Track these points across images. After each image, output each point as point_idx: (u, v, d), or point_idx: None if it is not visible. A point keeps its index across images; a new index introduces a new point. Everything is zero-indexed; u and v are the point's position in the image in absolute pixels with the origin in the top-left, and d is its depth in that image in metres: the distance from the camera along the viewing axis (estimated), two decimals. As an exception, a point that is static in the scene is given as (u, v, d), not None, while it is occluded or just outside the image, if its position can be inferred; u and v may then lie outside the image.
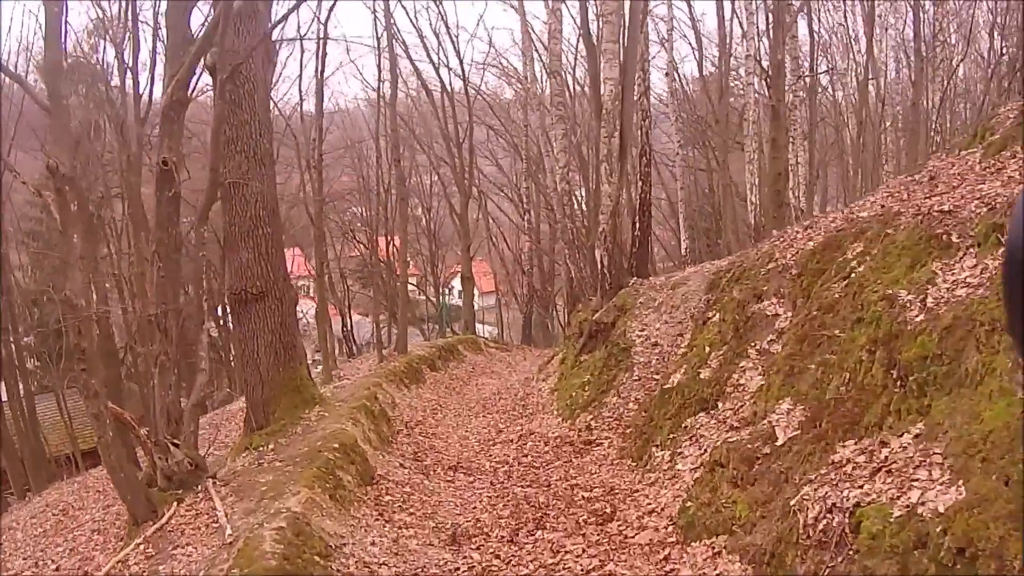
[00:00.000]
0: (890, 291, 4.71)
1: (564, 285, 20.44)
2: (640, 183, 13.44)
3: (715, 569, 4.46)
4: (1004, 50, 17.95)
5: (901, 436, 3.89)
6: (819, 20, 22.52)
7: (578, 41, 24.85)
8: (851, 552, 3.49)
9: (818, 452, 4.29)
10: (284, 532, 4.90)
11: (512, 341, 26.37)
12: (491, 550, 5.65)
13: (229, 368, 21.98)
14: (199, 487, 6.39)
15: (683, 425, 6.28)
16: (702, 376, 6.62)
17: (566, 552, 5.28)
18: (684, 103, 23.12)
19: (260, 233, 8.34)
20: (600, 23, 12.44)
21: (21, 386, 16.24)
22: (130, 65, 13.85)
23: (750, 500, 4.48)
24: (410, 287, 23.60)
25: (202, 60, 6.64)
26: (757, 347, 6.23)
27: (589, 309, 12.38)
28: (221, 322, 20.91)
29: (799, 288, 6.37)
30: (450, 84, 24.43)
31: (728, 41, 22.91)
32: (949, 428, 3.69)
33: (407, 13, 29.60)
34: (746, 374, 6.09)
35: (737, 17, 21.88)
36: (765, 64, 19.51)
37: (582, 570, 4.96)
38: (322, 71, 14.74)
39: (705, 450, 5.65)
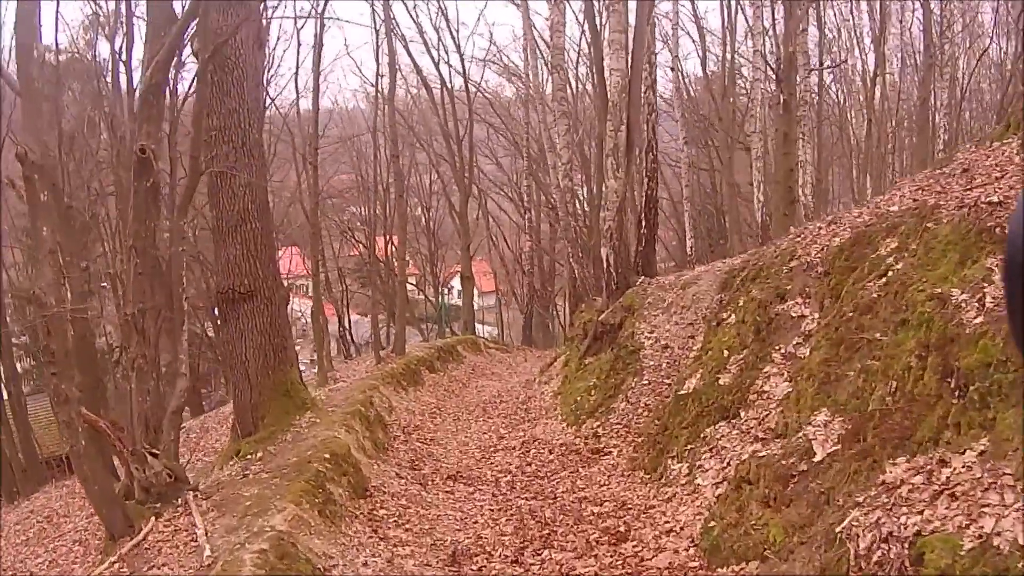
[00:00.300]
0: (939, 290, 4.24)
1: (567, 285, 20.02)
2: (646, 179, 12.98)
3: (746, 600, 4.01)
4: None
5: (963, 453, 3.43)
6: (824, 18, 22.09)
7: (580, 38, 24.48)
8: (914, 589, 3.03)
9: (864, 470, 3.82)
10: (267, 555, 4.43)
11: (512, 342, 25.94)
12: (494, 571, 5.19)
13: (227, 368, 21.44)
14: (179, 500, 5.91)
15: (701, 435, 5.81)
16: (721, 382, 6.15)
17: (577, 576, 4.82)
18: (687, 102, 22.67)
19: (249, 228, 7.87)
20: (607, 13, 11.99)
21: (12, 387, 15.79)
22: (124, 59, 13.38)
23: (785, 523, 4.01)
24: (409, 287, 23.13)
25: (185, 39, 6.16)
26: (782, 351, 5.77)
27: (594, 309, 11.92)
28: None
29: (827, 287, 5.92)
30: (450, 80, 23.99)
31: (733, 37, 22.53)
32: (1020, 445, 3.24)
33: (406, 7, 29.12)
34: (770, 380, 5.63)
35: (743, 12, 21.43)
36: (772, 60, 19.14)
37: (596, 598, 4.50)
38: (318, 61, 14.23)
39: (728, 464, 5.18)
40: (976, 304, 3.94)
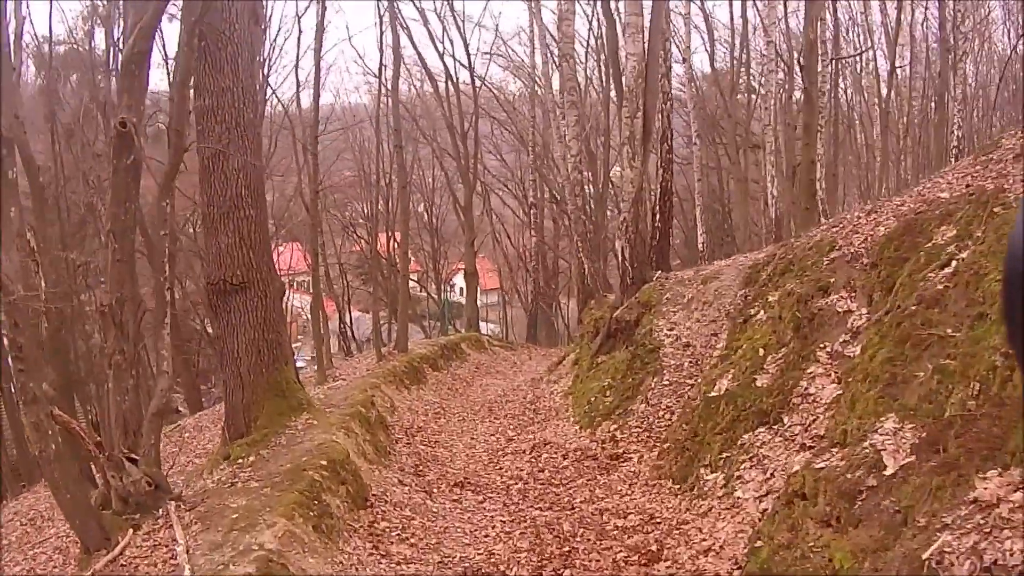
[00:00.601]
0: None
1: (575, 280, 19.47)
2: (661, 170, 12.41)
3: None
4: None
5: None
6: (835, 12, 21.53)
7: (588, 33, 23.91)
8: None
9: (948, 486, 3.27)
10: (253, 579, 3.88)
11: (516, 340, 25.43)
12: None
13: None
14: (160, 511, 5.36)
15: (738, 442, 5.25)
16: (758, 383, 5.58)
17: (605, 603, 4.26)
18: (696, 98, 22.10)
19: (242, 215, 7.30)
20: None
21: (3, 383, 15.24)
22: (121, 49, 12.88)
23: (853, 546, 3.45)
24: (411, 283, 22.57)
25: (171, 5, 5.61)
26: (827, 349, 5.21)
27: (606, 306, 11.37)
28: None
29: (876, 279, 5.36)
30: (455, 73, 23.40)
31: (745, 29, 21.97)
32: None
33: (411, -3, 28.42)
34: (816, 382, 5.07)
35: (755, 6, 20.84)
36: (785, 55, 18.59)
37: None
38: (320, 46, 13.61)
39: (772, 475, 4.63)
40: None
